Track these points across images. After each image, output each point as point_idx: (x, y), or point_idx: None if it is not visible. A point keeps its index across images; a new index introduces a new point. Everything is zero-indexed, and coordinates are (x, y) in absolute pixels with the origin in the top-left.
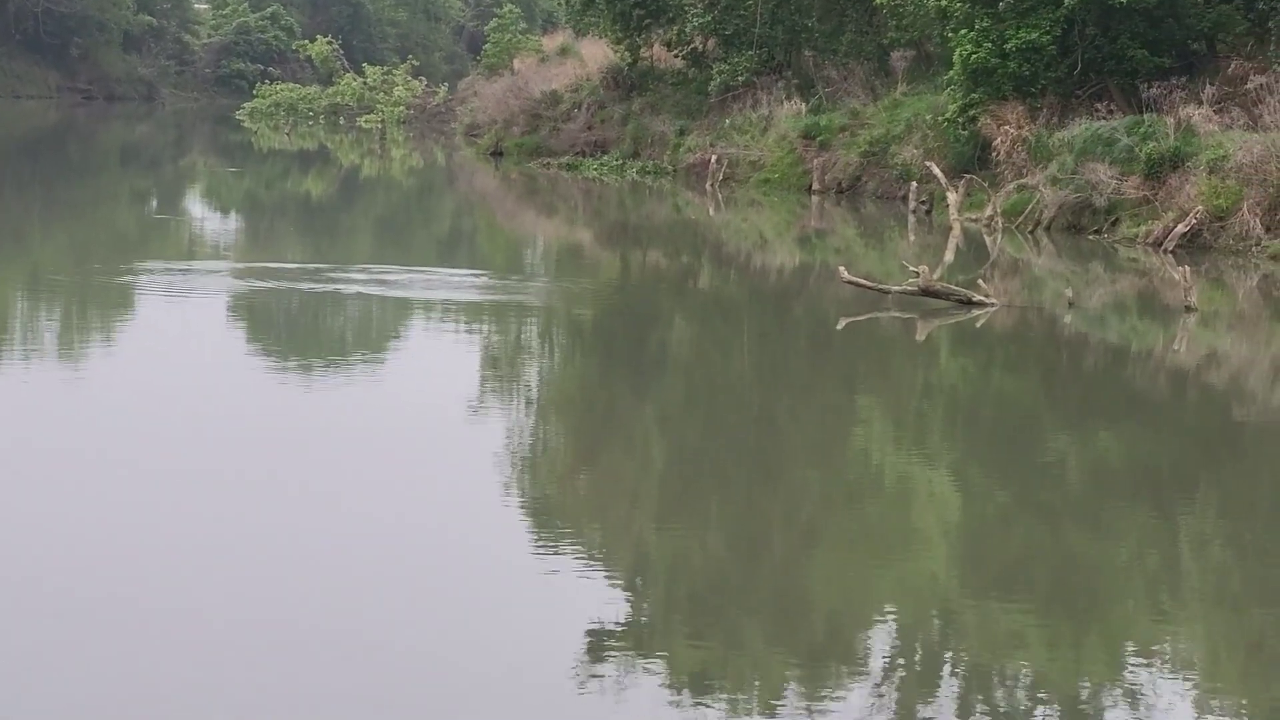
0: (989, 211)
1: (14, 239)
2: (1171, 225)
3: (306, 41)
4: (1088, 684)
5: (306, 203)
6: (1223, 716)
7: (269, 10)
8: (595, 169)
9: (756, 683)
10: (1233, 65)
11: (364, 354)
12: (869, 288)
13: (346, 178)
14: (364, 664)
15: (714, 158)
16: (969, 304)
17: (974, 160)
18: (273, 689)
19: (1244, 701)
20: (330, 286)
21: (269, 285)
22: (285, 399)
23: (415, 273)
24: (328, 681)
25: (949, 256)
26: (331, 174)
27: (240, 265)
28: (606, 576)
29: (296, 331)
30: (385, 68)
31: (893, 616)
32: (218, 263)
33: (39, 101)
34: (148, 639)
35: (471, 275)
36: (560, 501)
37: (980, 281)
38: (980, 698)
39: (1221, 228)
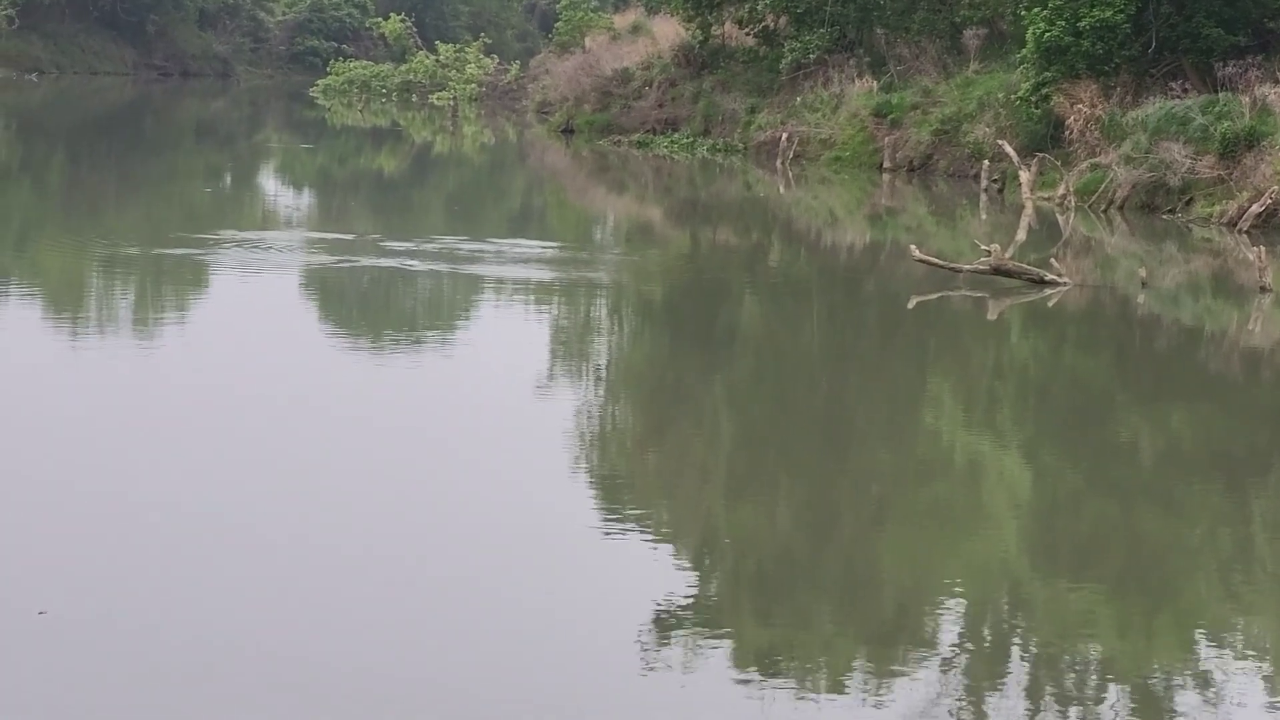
0: (1061, 190)
1: (89, 213)
2: (1246, 205)
3: (380, 19)
4: (1158, 667)
5: (379, 179)
6: None
7: None
8: (666, 146)
9: (824, 662)
10: None
11: (435, 330)
12: (940, 266)
13: (419, 154)
14: (434, 639)
15: (785, 135)
16: (1041, 283)
17: (1047, 139)
18: (348, 661)
19: None
20: (401, 262)
21: (341, 260)
22: (357, 375)
23: (487, 244)
24: (403, 656)
25: (1021, 235)
26: (404, 151)
27: (313, 240)
28: (674, 554)
29: (368, 307)
30: (457, 45)
31: (962, 597)
32: (290, 237)
33: (116, 78)
34: (229, 610)
35: (541, 249)
36: (629, 478)
37: (1053, 261)
38: (1050, 680)
39: None
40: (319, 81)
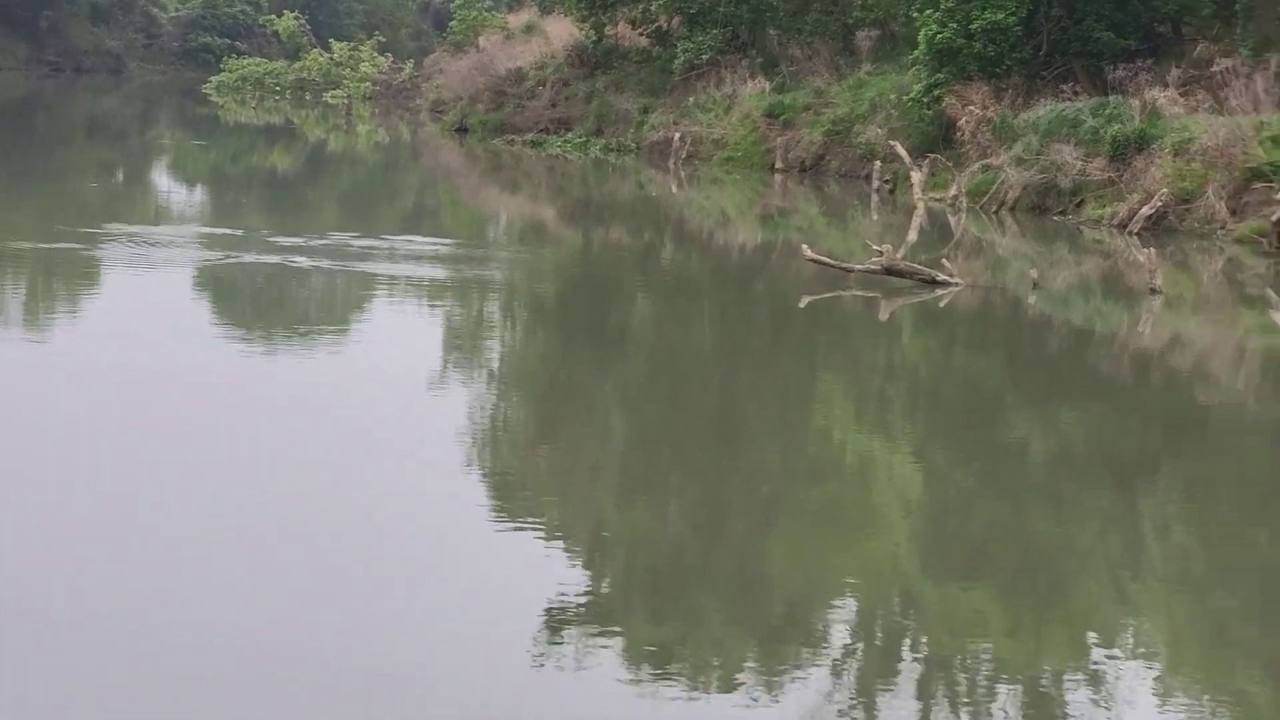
0: (953, 191)
1: None
2: (1136, 207)
3: (273, 16)
4: (1048, 667)
5: (272, 176)
6: (1185, 701)
7: None
8: (559, 146)
9: (716, 661)
10: (1198, 48)
11: (328, 327)
12: (832, 266)
13: (312, 152)
14: (319, 638)
15: (677, 135)
16: (932, 283)
17: (938, 140)
18: (229, 657)
19: (1206, 686)
20: (293, 258)
21: (232, 257)
22: (247, 371)
23: (380, 241)
24: (281, 653)
25: (912, 236)
26: (297, 148)
27: (204, 237)
28: (566, 552)
29: (260, 304)
30: (351, 44)
31: (853, 596)
32: (182, 234)
33: (7, 74)
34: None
35: (434, 246)
36: (521, 476)
37: (944, 261)
38: (940, 680)
39: (1186, 210)
40: (212, 78)
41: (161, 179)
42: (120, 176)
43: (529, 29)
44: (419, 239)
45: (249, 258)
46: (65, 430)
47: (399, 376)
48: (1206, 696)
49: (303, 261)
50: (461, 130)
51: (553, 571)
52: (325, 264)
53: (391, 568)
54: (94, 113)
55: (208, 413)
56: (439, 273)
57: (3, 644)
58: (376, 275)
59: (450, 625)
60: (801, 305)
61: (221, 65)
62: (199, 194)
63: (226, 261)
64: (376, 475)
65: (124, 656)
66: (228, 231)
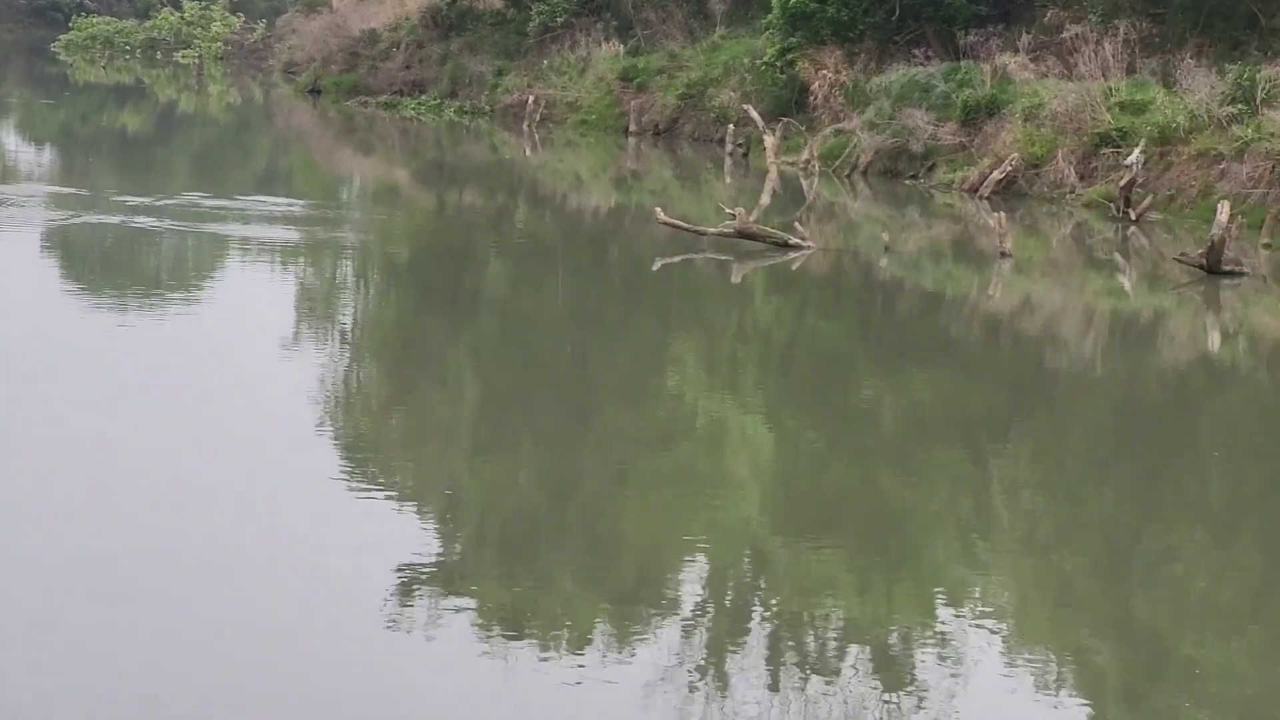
0: (805, 155)
1: None
2: (987, 172)
3: None
4: (898, 629)
5: (122, 136)
6: (1030, 660)
7: None
8: (413, 108)
9: (567, 623)
10: (1049, 14)
11: (178, 289)
12: (685, 229)
13: (163, 113)
14: (166, 604)
15: (531, 98)
16: (785, 247)
17: (791, 104)
18: (71, 628)
19: (1050, 645)
20: (144, 219)
21: (81, 218)
22: (94, 333)
23: (232, 203)
24: (130, 622)
25: (765, 199)
26: (148, 109)
27: (52, 197)
28: (418, 515)
29: (109, 265)
30: (203, 3)
31: (705, 558)
32: (29, 193)
33: None
34: None
35: (287, 208)
36: (373, 440)
37: (796, 224)
38: (791, 641)
39: (1036, 175)
40: (61, 37)
41: (8, 138)
42: None
43: None
44: (271, 200)
45: (97, 218)
46: None
47: (250, 339)
48: (1052, 655)
49: (153, 222)
50: (314, 92)
51: (404, 534)
52: (176, 225)
53: (242, 532)
54: None
55: (53, 378)
56: (291, 235)
57: None
58: (228, 237)
59: (301, 588)
60: (655, 268)
61: (70, 24)
62: (47, 154)
63: (75, 222)
64: (227, 439)
65: None
66: (76, 191)
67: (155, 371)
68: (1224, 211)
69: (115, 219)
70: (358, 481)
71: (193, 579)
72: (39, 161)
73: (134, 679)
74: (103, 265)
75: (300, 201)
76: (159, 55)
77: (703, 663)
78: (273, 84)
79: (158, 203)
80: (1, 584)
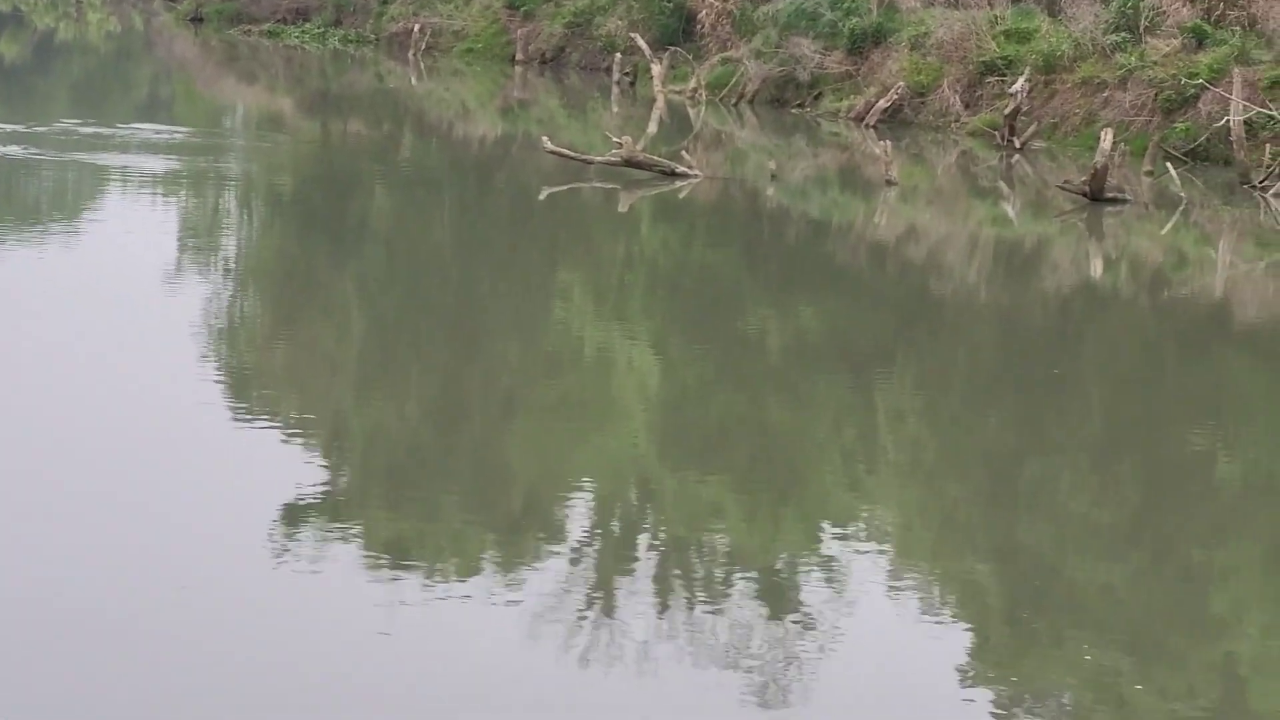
0: (693, 84)
1: None
2: (873, 100)
3: None
4: (784, 556)
5: None
6: (915, 584)
7: None
8: (297, 36)
9: (454, 553)
10: None
11: (58, 220)
12: (572, 158)
13: (40, 42)
14: (56, 537)
15: (417, 27)
16: (672, 175)
17: (679, 33)
18: None
19: (935, 570)
20: (22, 149)
21: None
22: None
23: (113, 131)
24: (31, 554)
25: (652, 128)
26: (25, 37)
27: None
28: (304, 447)
29: None
30: None
31: (591, 487)
32: None
33: None
34: None
35: (169, 138)
36: (258, 372)
37: (683, 153)
38: (678, 569)
39: (922, 104)
40: None
41: None
42: None
43: None
44: (153, 128)
45: None
46: None
47: (133, 271)
48: (936, 579)
49: (32, 151)
50: (196, 20)
51: (290, 467)
52: (55, 155)
53: (127, 464)
54: None
55: None
56: (173, 164)
57: None
58: (109, 167)
59: (188, 521)
60: (541, 197)
61: None
62: None
63: None
64: (110, 372)
65: None
66: None
67: (36, 303)
68: (1107, 139)
69: None
70: (242, 413)
71: (79, 514)
72: None
73: (19, 609)
74: None
75: (182, 129)
76: None
77: (591, 592)
78: (154, 12)
79: (36, 130)
80: None
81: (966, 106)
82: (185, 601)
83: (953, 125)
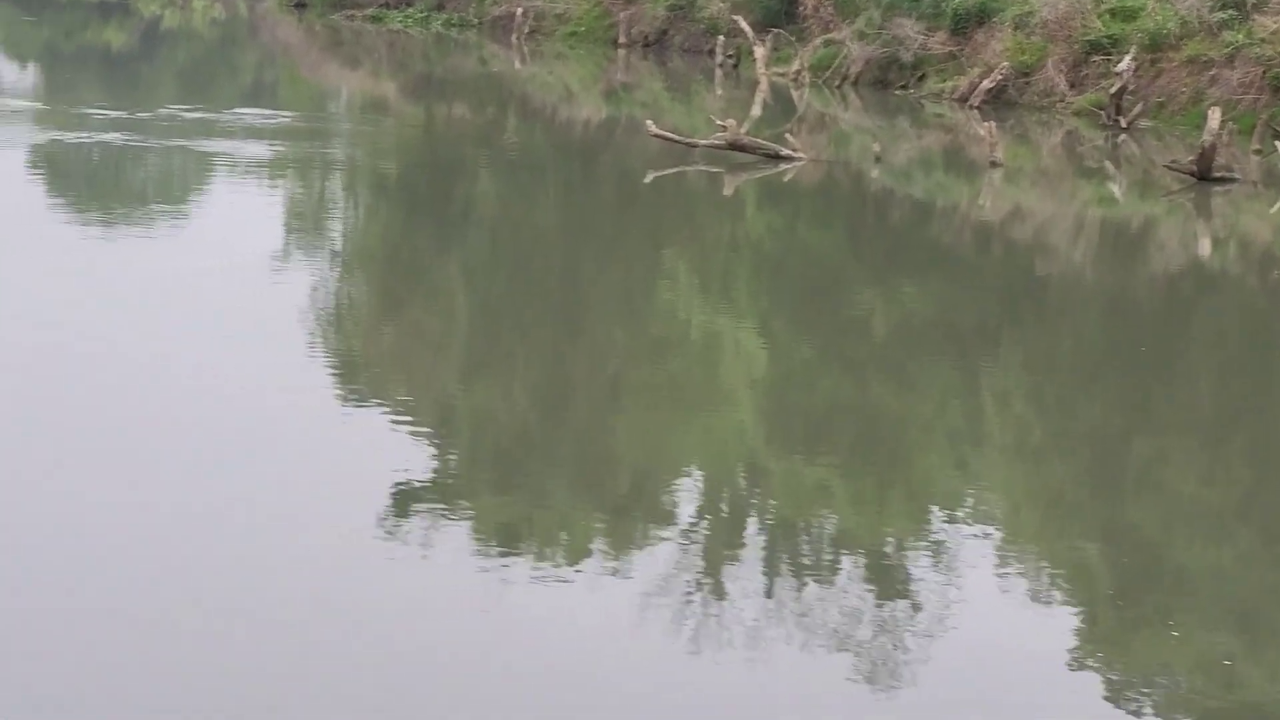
0: (796, 66)
1: None
2: (977, 81)
3: None
4: (891, 538)
5: (107, 53)
6: (1023, 566)
7: None
8: (400, 21)
9: (562, 537)
10: None
11: (167, 207)
12: (676, 142)
13: (147, 29)
14: (168, 523)
15: (520, 10)
16: (776, 158)
17: (781, 14)
18: (72, 547)
19: (1042, 551)
20: (131, 136)
21: (70, 136)
22: (83, 251)
23: (219, 118)
24: (141, 533)
25: (756, 111)
26: (132, 25)
27: (38, 114)
28: (412, 432)
29: (97, 183)
30: None
31: (698, 471)
32: (13, 110)
33: None
34: None
35: (275, 124)
36: (366, 357)
37: (788, 136)
38: (786, 552)
39: (1026, 84)
40: None
41: None
42: None
43: None
44: (258, 114)
45: (84, 135)
46: None
47: (241, 257)
48: (1044, 561)
49: (139, 139)
50: (300, 6)
51: (399, 451)
52: (165, 142)
53: (237, 451)
54: None
55: (44, 298)
56: (279, 150)
57: None
58: (215, 153)
59: (297, 506)
60: (646, 181)
61: None
62: (31, 71)
63: (63, 140)
64: (220, 357)
65: None
66: (63, 109)
67: (145, 290)
68: (1214, 118)
69: (102, 136)
70: (352, 399)
71: (190, 500)
72: (22, 79)
73: (138, 595)
74: (88, 183)
75: (287, 115)
76: None
77: (698, 573)
78: None
79: (144, 118)
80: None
81: (1071, 86)
82: (294, 588)
83: (1057, 105)
